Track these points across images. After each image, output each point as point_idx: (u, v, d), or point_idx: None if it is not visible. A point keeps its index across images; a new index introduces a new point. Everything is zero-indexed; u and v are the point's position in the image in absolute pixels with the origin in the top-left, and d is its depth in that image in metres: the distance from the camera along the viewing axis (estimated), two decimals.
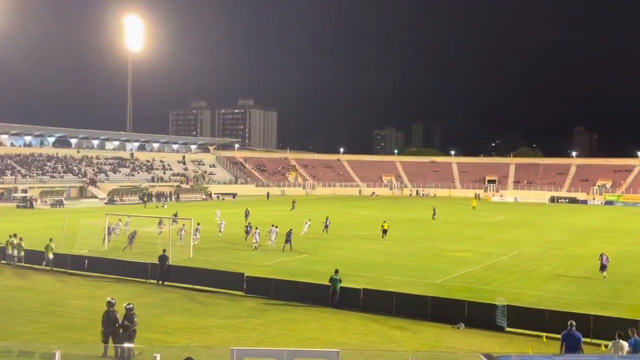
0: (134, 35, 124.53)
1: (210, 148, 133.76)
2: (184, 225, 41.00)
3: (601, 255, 32.71)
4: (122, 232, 42.43)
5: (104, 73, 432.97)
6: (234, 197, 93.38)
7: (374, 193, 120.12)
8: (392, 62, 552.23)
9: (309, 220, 49.03)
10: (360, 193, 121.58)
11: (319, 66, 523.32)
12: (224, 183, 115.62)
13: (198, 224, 41.86)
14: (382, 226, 47.51)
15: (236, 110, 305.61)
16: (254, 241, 39.39)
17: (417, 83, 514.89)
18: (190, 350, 15.43)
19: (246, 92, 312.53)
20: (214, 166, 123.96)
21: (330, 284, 24.75)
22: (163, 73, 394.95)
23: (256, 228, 40.60)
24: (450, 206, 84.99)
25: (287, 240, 39.05)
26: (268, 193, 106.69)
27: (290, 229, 40.38)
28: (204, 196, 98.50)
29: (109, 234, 39.86)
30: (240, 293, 26.44)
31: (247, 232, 43.18)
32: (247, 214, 57.54)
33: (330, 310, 23.89)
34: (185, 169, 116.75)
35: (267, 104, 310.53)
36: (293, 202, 77.93)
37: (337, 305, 24.27)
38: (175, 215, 50.16)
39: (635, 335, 16.33)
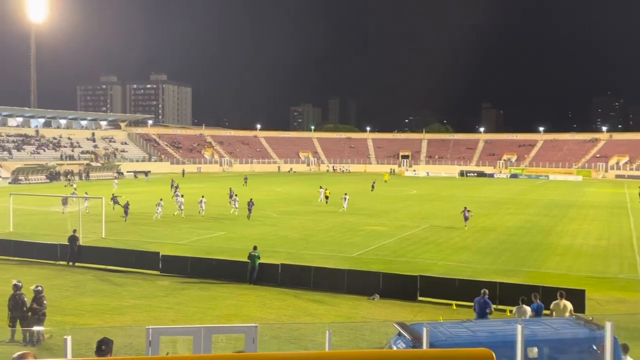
0: (37, 5, 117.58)
1: (122, 124, 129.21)
2: (161, 199, 44.74)
3: (464, 209, 41.04)
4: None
5: (5, 45, 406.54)
6: (146, 175, 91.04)
7: (291, 169, 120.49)
8: (309, 38, 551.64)
9: (346, 194, 50.72)
10: (279, 170, 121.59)
11: (234, 41, 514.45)
12: (137, 161, 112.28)
13: (202, 196, 46.47)
14: (325, 193, 54.87)
15: (148, 86, 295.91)
16: (235, 207, 46.01)
17: (334, 60, 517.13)
18: (104, 331, 15.08)
19: (159, 67, 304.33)
20: (125, 143, 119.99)
21: (249, 260, 24.74)
22: (70, 46, 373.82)
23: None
24: (365, 181, 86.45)
25: (249, 210, 43.55)
26: (183, 170, 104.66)
27: (251, 199, 45.46)
28: (115, 174, 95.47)
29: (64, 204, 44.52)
30: (155, 272, 25.98)
31: (230, 197, 50.04)
32: (172, 185, 64.60)
33: (248, 287, 23.92)
34: (95, 147, 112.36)
35: (180, 80, 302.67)
36: (245, 179, 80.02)
37: (255, 281, 24.33)
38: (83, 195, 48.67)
39: (538, 300, 17.40)
